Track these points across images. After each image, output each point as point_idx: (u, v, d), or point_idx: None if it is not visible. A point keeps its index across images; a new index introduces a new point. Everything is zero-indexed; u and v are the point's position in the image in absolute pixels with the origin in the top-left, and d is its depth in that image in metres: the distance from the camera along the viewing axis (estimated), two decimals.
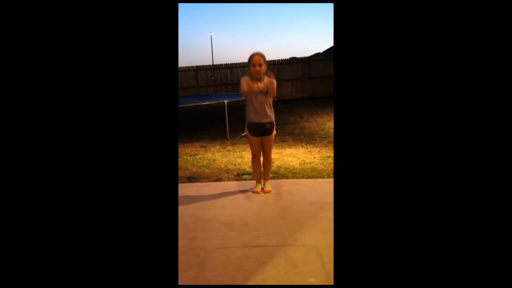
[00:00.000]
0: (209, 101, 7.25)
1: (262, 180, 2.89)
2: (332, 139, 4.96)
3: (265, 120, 2.70)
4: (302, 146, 4.68)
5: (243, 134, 5.59)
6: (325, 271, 1.61)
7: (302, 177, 3.28)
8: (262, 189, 2.83)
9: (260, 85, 2.63)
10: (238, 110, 6.41)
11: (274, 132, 2.78)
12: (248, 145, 4.93)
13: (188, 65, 12.54)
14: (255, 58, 2.60)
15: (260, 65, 2.59)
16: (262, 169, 2.88)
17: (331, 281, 1.53)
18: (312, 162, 3.80)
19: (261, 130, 2.73)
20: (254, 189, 2.84)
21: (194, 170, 3.74)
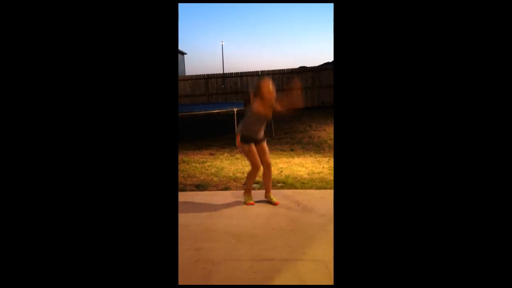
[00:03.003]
0: (219, 109, 7.28)
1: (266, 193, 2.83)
2: None
3: (261, 137, 2.78)
4: (310, 156, 4.63)
5: None
6: None
7: (311, 187, 3.23)
8: (268, 201, 2.78)
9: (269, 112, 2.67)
10: None
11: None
12: None
13: (199, 74, 12.66)
14: (271, 89, 2.64)
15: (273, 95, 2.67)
16: (263, 180, 2.84)
17: None
18: (321, 172, 3.75)
19: (256, 139, 2.75)
20: (247, 202, 2.77)
21: (202, 177, 3.72)
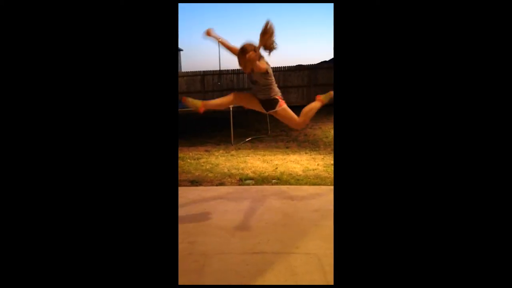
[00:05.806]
0: None
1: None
2: None
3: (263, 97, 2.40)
4: (306, 153, 4.64)
5: (247, 140, 5.57)
6: (326, 281, 1.57)
7: (306, 183, 3.24)
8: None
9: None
10: (243, 115, 6.40)
11: (281, 106, 2.38)
12: (251, 150, 4.92)
13: (195, 70, 12.60)
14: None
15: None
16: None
17: None
18: (315, 169, 3.76)
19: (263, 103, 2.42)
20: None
21: (197, 173, 3.72)
